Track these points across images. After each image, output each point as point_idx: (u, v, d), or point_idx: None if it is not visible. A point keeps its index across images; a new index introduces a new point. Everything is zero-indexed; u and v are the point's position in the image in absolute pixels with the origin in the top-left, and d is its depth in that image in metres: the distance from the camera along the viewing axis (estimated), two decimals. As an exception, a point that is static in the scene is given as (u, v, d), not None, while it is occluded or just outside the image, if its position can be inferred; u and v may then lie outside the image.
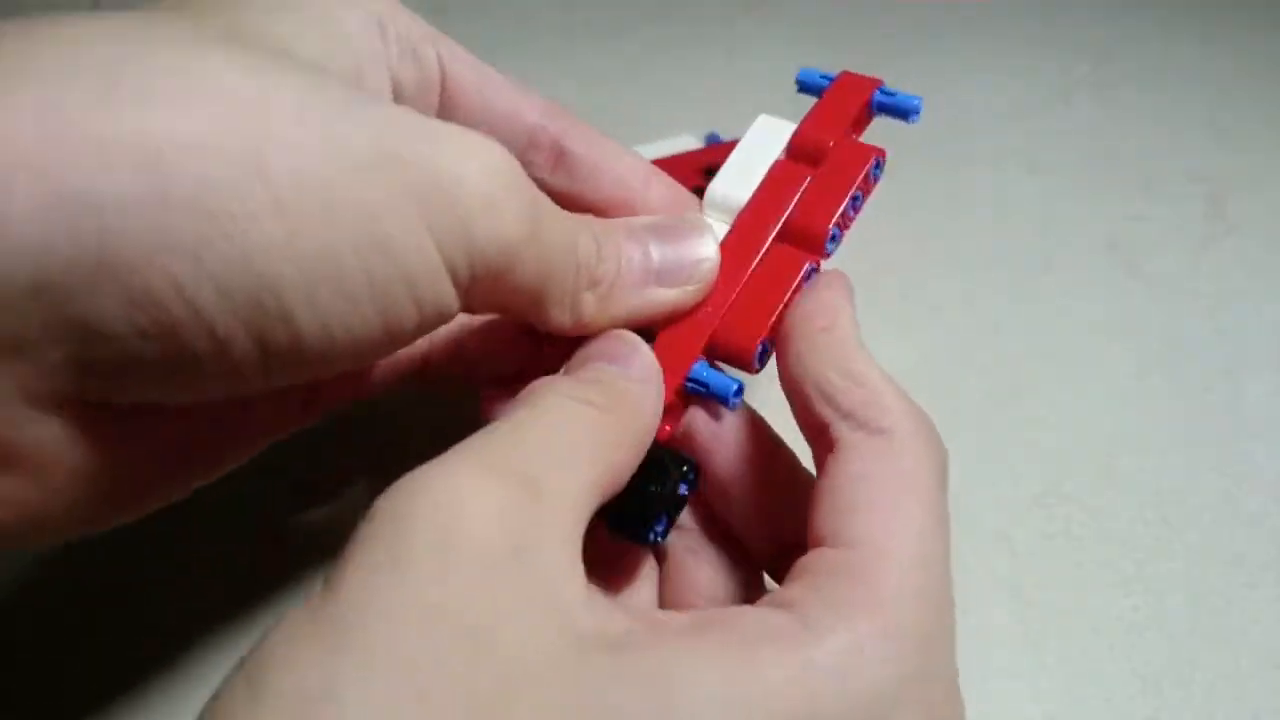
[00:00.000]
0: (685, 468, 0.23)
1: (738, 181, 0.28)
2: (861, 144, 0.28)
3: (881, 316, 0.40)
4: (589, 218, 0.23)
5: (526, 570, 0.16)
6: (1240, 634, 0.30)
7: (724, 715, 0.16)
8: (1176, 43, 0.61)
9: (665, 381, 0.24)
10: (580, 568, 0.18)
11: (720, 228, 0.27)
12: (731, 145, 0.52)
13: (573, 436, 0.19)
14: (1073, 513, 0.33)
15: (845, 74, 0.29)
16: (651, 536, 0.23)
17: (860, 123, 0.29)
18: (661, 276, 0.24)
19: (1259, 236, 0.46)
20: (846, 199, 0.27)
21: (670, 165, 0.47)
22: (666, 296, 0.24)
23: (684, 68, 0.57)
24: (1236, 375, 0.38)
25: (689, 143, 0.48)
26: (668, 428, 0.25)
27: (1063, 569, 0.31)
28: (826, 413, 0.22)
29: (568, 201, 0.26)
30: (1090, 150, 0.51)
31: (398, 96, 0.24)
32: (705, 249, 0.25)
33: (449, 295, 0.19)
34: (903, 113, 0.29)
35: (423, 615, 0.15)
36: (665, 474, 0.23)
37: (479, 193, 0.18)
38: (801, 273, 0.26)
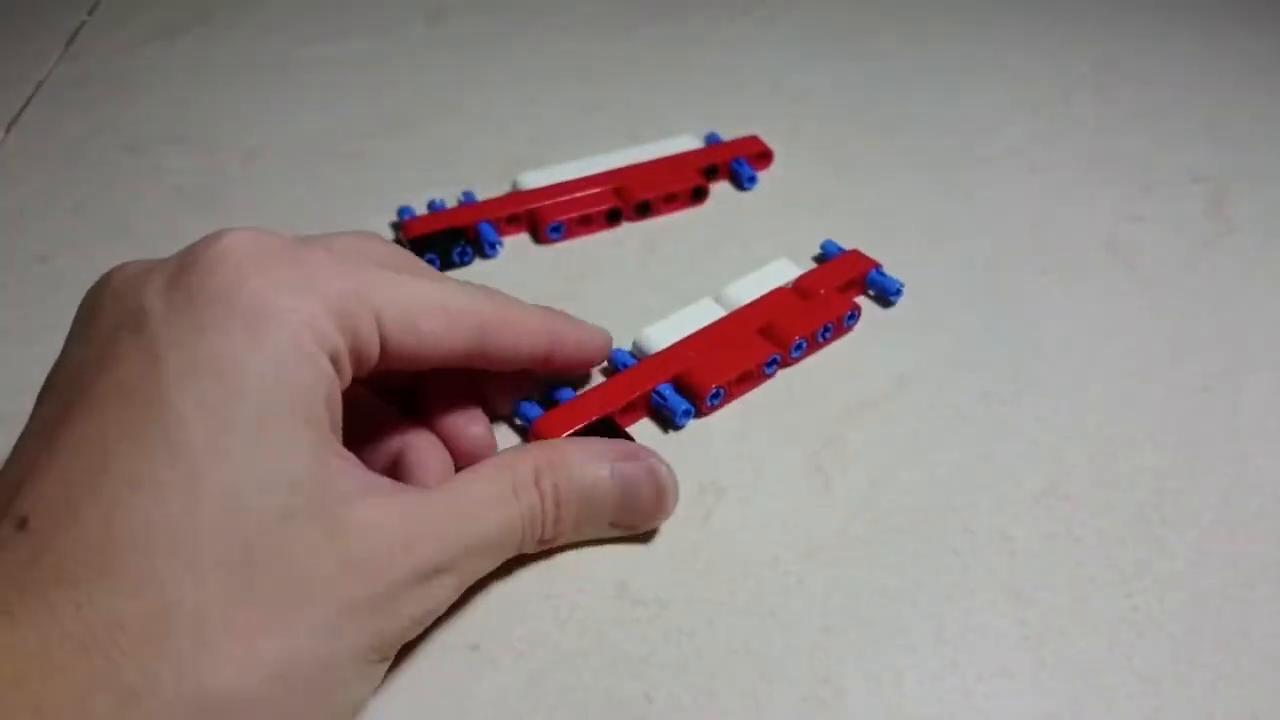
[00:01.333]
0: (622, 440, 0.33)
1: (746, 290, 0.39)
2: (844, 297, 0.39)
3: (881, 316, 0.40)
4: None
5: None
6: (1240, 634, 0.30)
7: None
8: (1176, 43, 0.61)
9: (637, 386, 0.35)
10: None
11: (722, 311, 0.38)
12: (731, 144, 0.52)
13: None
14: (1073, 513, 0.33)
15: (854, 251, 0.41)
16: None
17: (855, 286, 0.40)
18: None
19: (1259, 236, 0.46)
20: (819, 326, 0.37)
21: (670, 165, 0.47)
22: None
23: (684, 68, 0.57)
24: (1236, 375, 0.38)
25: (689, 143, 0.48)
26: (628, 417, 0.35)
27: (1063, 569, 0.31)
28: None
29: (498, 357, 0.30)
30: (1090, 150, 0.51)
31: (342, 368, 0.25)
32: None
33: None
34: (885, 291, 0.40)
35: None
36: (610, 436, 0.33)
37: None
38: (766, 359, 0.36)
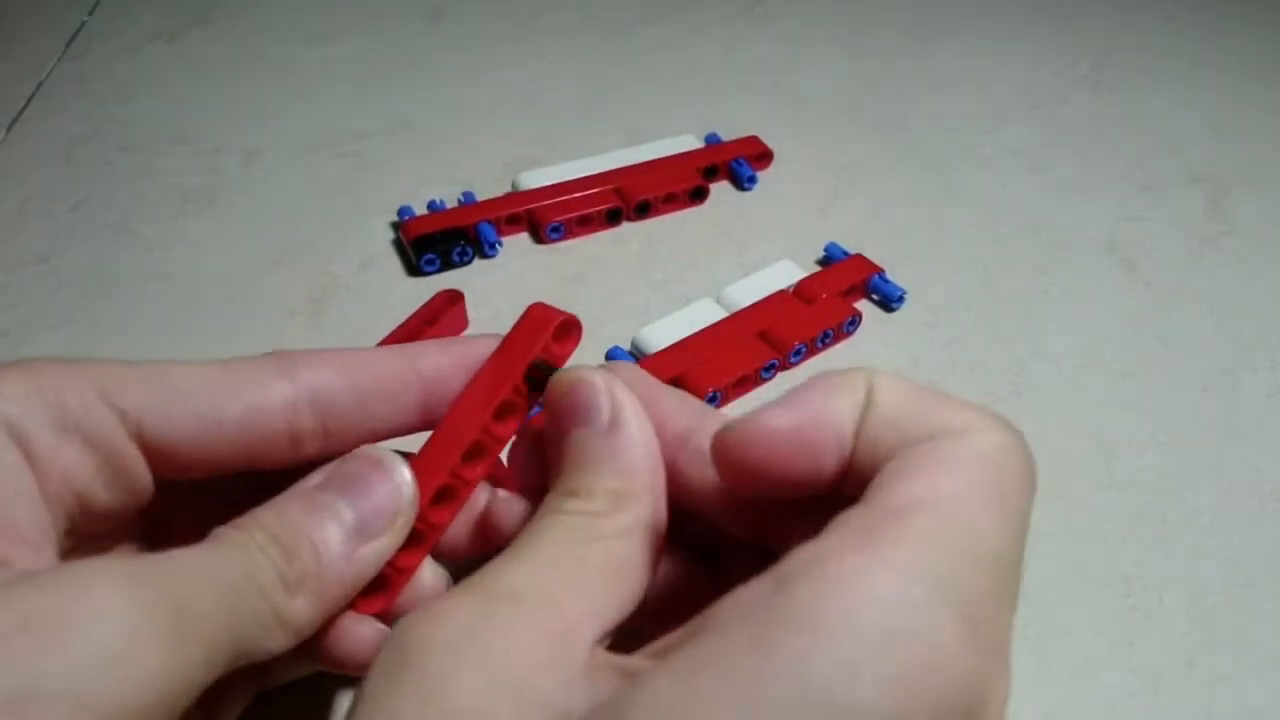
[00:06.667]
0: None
1: (748, 291, 0.39)
2: (845, 303, 0.39)
3: (881, 317, 0.40)
4: (258, 517, 0.20)
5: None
6: (1240, 634, 0.30)
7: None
8: (1176, 43, 0.61)
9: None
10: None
11: (722, 312, 0.38)
12: (731, 144, 0.52)
13: None
14: (1073, 513, 0.33)
15: (858, 255, 0.41)
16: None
17: (857, 291, 0.40)
18: (364, 531, 0.21)
19: (1258, 236, 0.46)
20: (819, 332, 0.37)
21: (670, 165, 0.47)
22: (380, 546, 0.21)
23: (684, 68, 0.57)
24: (1236, 375, 0.38)
25: (689, 143, 0.48)
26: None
27: (1063, 569, 0.31)
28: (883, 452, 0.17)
29: (347, 429, 0.23)
30: (1090, 150, 0.51)
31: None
32: (396, 477, 0.22)
33: None
34: (888, 298, 0.40)
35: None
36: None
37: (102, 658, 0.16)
38: (764, 364, 0.36)
